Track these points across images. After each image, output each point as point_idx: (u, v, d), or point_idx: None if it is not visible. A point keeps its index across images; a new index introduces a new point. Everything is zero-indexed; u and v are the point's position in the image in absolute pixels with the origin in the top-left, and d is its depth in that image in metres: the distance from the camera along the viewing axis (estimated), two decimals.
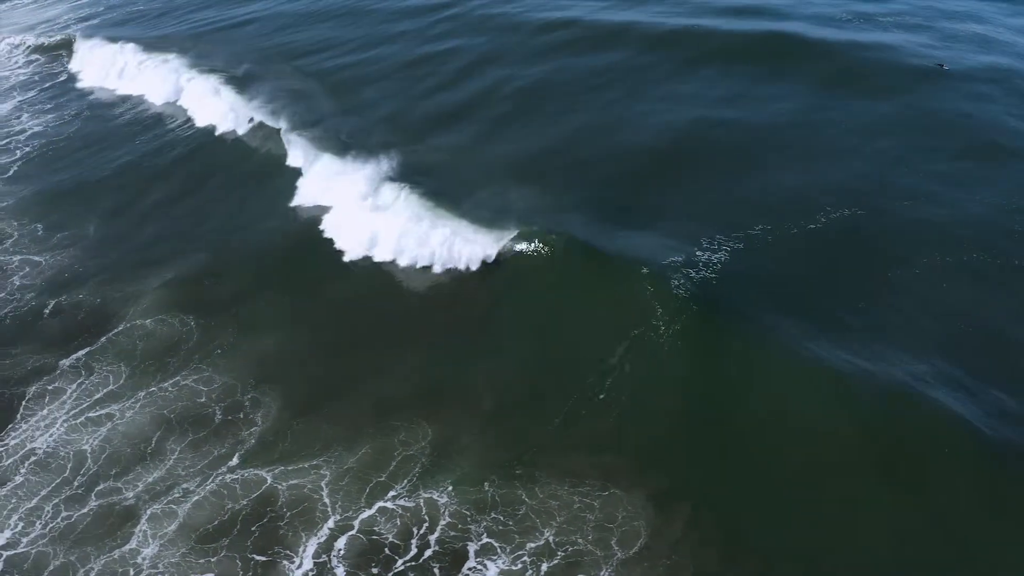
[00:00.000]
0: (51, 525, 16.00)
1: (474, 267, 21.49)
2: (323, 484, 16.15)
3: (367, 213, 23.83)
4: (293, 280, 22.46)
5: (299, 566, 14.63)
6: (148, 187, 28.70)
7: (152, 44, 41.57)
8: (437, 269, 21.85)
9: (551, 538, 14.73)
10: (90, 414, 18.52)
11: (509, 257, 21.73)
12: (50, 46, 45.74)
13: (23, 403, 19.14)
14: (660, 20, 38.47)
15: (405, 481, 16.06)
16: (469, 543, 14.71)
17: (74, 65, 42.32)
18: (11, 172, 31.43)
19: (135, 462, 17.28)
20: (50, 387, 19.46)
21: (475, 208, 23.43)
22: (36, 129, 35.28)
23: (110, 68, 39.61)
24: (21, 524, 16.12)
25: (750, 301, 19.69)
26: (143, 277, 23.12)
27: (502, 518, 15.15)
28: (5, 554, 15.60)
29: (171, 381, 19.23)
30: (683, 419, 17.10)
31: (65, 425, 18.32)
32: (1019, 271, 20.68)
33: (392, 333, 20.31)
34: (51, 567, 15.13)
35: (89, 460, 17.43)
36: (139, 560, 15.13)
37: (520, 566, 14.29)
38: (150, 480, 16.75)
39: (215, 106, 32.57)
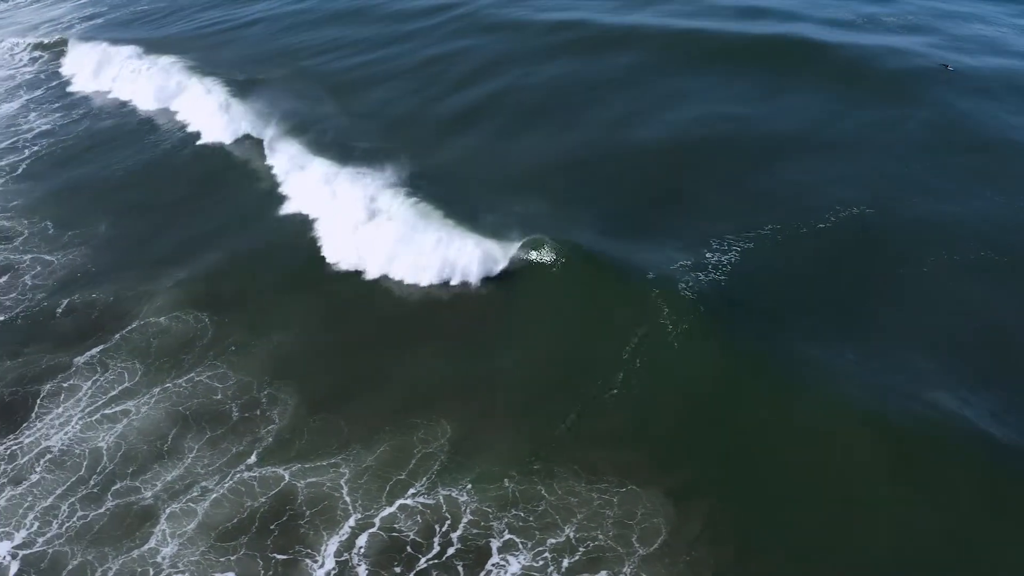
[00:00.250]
0: (67, 524, 15.93)
1: (486, 274, 21.37)
2: (342, 482, 16.12)
3: (378, 220, 23.76)
4: (306, 280, 22.44)
5: (321, 565, 14.58)
6: (159, 186, 28.71)
7: (158, 44, 41.64)
8: (449, 274, 21.70)
9: (571, 534, 14.74)
10: (105, 411, 18.48)
11: (520, 264, 21.65)
12: (54, 45, 45.69)
13: (38, 401, 19.08)
14: (666, 22, 38.58)
15: (424, 479, 16.05)
16: (492, 540, 14.69)
17: (79, 65, 42.24)
18: (20, 170, 31.40)
19: (152, 460, 17.24)
20: (65, 384, 19.42)
21: (486, 214, 23.38)
22: (43, 128, 35.26)
23: (116, 68, 39.57)
24: (37, 524, 16.05)
25: (760, 300, 19.79)
26: (156, 276, 23.09)
27: (522, 514, 15.15)
28: (21, 553, 15.53)
29: (186, 377, 19.21)
30: (694, 415, 17.14)
31: (80, 423, 18.27)
32: None
33: (404, 334, 20.30)
34: (69, 567, 15.05)
35: (105, 458, 17.38)
36: (159, 559, 15.08)
37: (541, 562, 14.29)
38: (169, 479, 16.70)
39: (225, 108, 32.49)
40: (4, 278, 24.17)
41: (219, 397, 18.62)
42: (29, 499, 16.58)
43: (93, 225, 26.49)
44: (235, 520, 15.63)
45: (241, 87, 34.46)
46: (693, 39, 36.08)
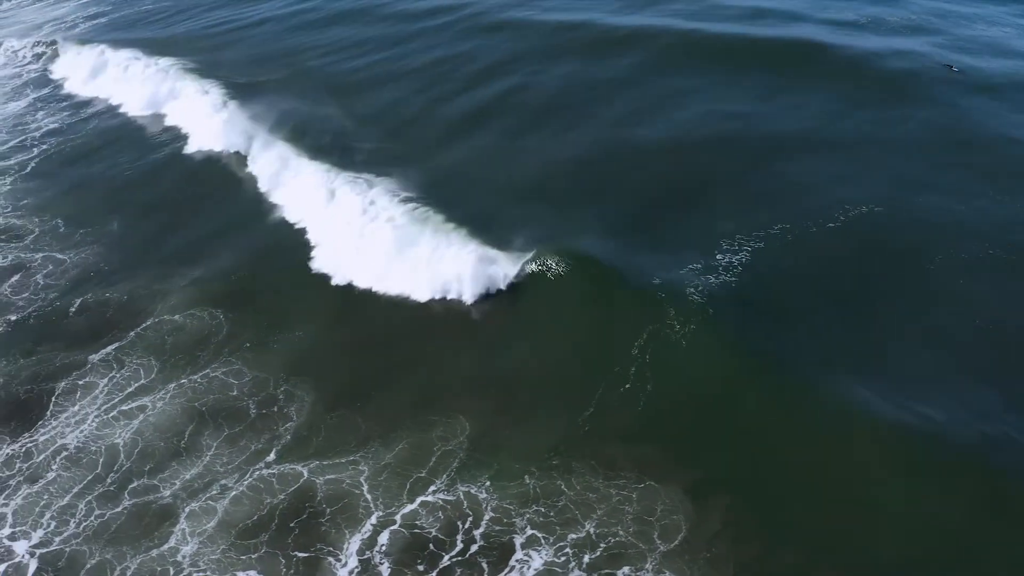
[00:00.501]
0: (85, 523, 15.88)
1: (498, 283, 21.24)
2: (362, 479, 16.13)
3: (384, 224, 23.69)
4: (320, 278, 22.41)
5: (344, 564, 14.56)
6: (168, 185, 28.63)
7: (164, 44, 41.57)
8: (459, 284, 21.47)
9: (592, 530, 14.77)
10: (122, 408, 18.47)
11: (532, 270, 21.45)
12: (59, 45, 45.53)
13: (53, 399, 19.05)
14: (670, 23, 38.66)
15: (444, 476, 16.06)
16: (515, 536, 14.72)
17: (82, 65, 42.05)
18: (29, 168, 31.31)
19: (170, 457, 17.21)
20: (80, 382, 19.39)
21: (495, 219, 23.31)
22: (51, 127, 35.16)
23: (121, 68, 39.49)
24: (54, 523, 15.99)
25: (771, 300, 19.85)
26: (169, 274, 23.06)
27: (543, 510, 15.17)
28: (39, 552, 15.48)
29: (201, 374, 19.20)
30: (707, 413, 17.18)
31: (96, 420, 18.24)
32: None
33: (418, 333, 20.31)
34: (87, 566, 15.01)
35: (122, 455, 17.36)
36: (179, 558, 15.06)
37: (563, 558, 14.32)
38: (187, 476, 16.68)
39: (230, 109, 32.37)
40: (16, 276, 24.11)
41: (235, 394, 18.63)
42: (45, 497, 16.53)
43: (104, 223, 26.42)
44: (255, 518, 15.61)
45: (244, 89, 34.38)
46: (698, 40, 36.13)
